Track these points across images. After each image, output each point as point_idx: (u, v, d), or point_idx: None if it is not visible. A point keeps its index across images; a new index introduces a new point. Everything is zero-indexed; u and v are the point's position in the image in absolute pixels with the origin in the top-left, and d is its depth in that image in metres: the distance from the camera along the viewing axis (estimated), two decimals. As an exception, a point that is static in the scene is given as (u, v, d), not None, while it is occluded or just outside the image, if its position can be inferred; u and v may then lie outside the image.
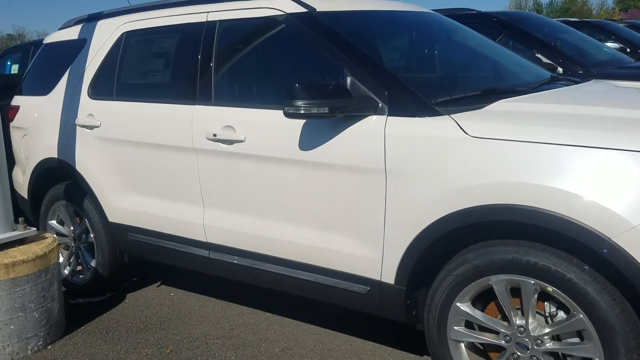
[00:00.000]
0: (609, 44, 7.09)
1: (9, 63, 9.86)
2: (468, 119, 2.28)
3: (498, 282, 2.18)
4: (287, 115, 2.44)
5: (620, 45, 8.06)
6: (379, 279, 2.48)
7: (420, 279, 2.43)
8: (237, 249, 2.95)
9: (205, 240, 3.08)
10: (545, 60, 4.76)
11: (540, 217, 2.02)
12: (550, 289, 2.08)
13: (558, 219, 1.98)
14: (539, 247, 2.10)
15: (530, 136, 2.09)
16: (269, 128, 2.74)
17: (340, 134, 2.51)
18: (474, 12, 5.69)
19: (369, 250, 2.49)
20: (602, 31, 8.42)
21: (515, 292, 2.18)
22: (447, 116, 2.31)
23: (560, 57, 4.86)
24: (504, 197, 2.09)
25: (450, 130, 2.26)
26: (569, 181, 1.98)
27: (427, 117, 2.35)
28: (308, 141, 2.60)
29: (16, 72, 9.05)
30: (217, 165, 2.95)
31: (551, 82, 2.96)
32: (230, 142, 2.86)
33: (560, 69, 4.70)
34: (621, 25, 9.98)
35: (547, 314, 2.17)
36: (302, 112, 2.40)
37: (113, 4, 4.13)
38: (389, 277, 2.44)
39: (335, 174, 2.54)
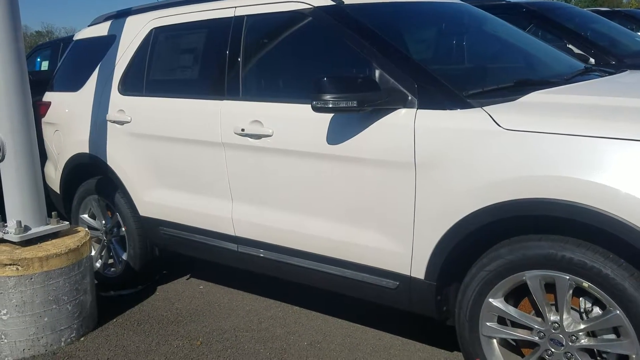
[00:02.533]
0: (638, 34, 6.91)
1: (38, 60, 10.03)
2: (501, 111, 2.24)
3: (532, 277, 2.14)
4: (315, 109, 2.43)
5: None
6: (409, 274, 2.46)
7: (451, 274, 2.40)
8: (265, 243, 2.96)
9: (233, 234, 3.10)
10: (576, 50, 4.66)
11: (576, 212, 1.97)
12: (585, 284, 2.03)
13: (595, 213, 1.94)
14: (574, 242, 2.06)
15: (566, 129, 2.04)
16: (297, 122, 2.74)
17: (368, 128, 2.49)
18: (504, 2, 5.59)
19: (398, 244, 2.47)
20: (634, 20, 8.20)
21: (550, 287, 2.15)
22: (480, 108, 2.28)
23: (592, 48, 4.75)
24: (538, 191, 2.05)
25: (483, 123, 2.22)
26: (606, 174, 1.93)
27: (459, 110, 2.31)
28: (336, 135, 2.59)
29: (46, 68, 9.21)
30: (245, 160, 2.96)
31: (585, 73, 2.89)
32: (258, 136, 2.87)
33: (592, 60, 4.59)
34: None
35: (582, 310, 2.13)
36: (330, 106, 2.39)
37: (140, 0, 4.15)
38: (419, 272, 2.42)
39: (363, 168, 2.52)
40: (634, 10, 10.56)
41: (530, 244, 2.14)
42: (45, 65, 9.57)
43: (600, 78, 2.81)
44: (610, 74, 2.96)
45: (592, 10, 7.52)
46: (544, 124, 2.09)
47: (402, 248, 2.46)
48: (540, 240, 2.12)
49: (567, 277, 2.06)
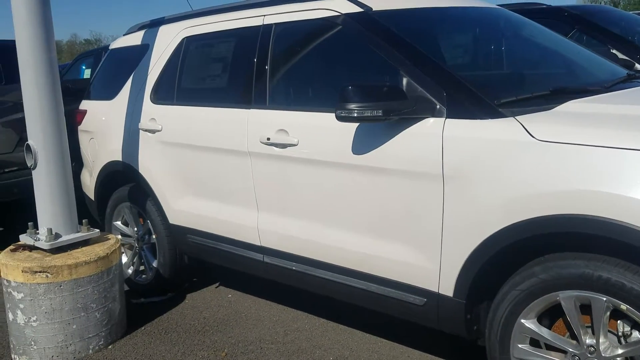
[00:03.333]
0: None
1: (83, 67, 10.31)
2: (535, 121, 2.12)
3: (567, 298, 2.01)
4: (340, 118, 2.37)
5: None
6: (437, 291, 2.36)
7: (482, 292, 2.29)
8: (291, 254, 2.91)
9: (259, 244, 3.06)
10: (621, 56, 4.44)
11: (615, 230, 1.84)
12: (624, 307, 1.90)
13: (634, 232, 1.80)
14: (612, 261, 1.92)
15: (604, 141, 1.91)
16: (322, 131, 2.68)
17: (395, 138, 2.42)
18: (544, 6, 5.40)
19: (425, 259, 2.38)
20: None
21: (585, 309, 2.01)
22: (512, 118, 2.17)
23: (638, 53, 4.52)
24: (574, 207, 1.93)
25: (515, 134, 2.11)
26: (648, 190, 1.79)
27: (489, 119, 2.21)
28: (361, 145, 2.52)
29: (89, 76, 9.46)
30: (271, 169, 2.92)
31: (627, 81, 2.74)
32: (283, 145, 2.83)
33: (638, 66, 4.37)
34: None
35: (620, 334, 1.99)
36: (355, 115, 2.32)
37: (194, 5, 4.16)
38: (447, 289, 2.32)
39: (389, 178, 2.44)
40: (686, 12, 10.06)
41: (564, 262, 2.02)
42: (88, 74, 9.83)
43: (645, 86, 2.65)
44: (657, 80, 2.79)
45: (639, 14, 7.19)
46: (581, 136, 1.97)
47: (429, 263, 2.37)
48: (575, 258, 2.00)
49: (604, 299, 1.93)
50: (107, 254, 3.22)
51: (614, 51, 4.52)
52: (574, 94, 2.37)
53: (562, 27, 4.80)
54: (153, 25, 3.99)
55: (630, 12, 6.73)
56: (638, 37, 4.87)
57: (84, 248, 3.25)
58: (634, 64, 4.26)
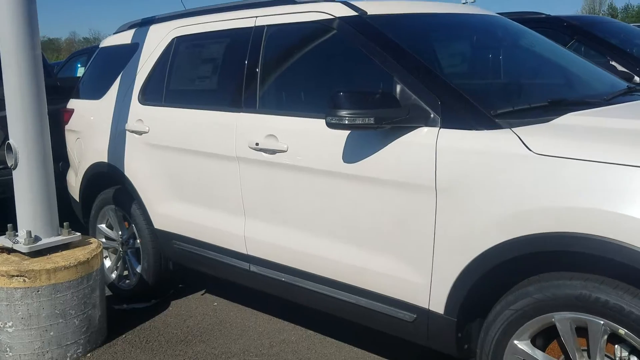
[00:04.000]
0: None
1: (78, 65, 10.19)
2: (532, 133, 2.04)
3: (562, 320, 1.92)
4: (330, 125, 2.28)
5: None
6: (427, 307, 2.27)
7: (474, 310, 2.20)
8: (278, 264, 2.82)
9: (245, 253, 2.97)
10: (620, 68, 4.38)
11: (614, 250, 1.76)
12: (622, 331, 1.81)
13: (636, 253, 1.72)
14: (610, 282, 1.84)
15: (605, 156, 1.83)
16: (312, 138, 2.59)
17: (387, 147, 2.33)
18: (544, 16, 5.34)
19: (416, 274, 2.29)
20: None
21: (582, 331, 1.92)
22: (509, 130, 2.08)
23: (637, 65, 4.45)
24: (572, 225, 1.84)
25: (512, 146, 2.02)
26: (650, 210, 1.71)
27: (485, 130, 2.13)
28: (352, 153, 2.43)
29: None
30: (259, 176, 2.83)
31: (627, 94, 2.66)
32: (272, 151, 2.73)
33: (637, 78, 4.31)
34: None
35: (617, 359, 1.90)
36: (346, 122, 2.23)
37: (187, 5, 4.06)
38: (438, 306, 2.23)
39: (380, 189, 2.35)
40: (685, 25, 10.04)
41: (560, 282, 1.93)
42: (82, 72, 9.70)
43: (646, 99, 2.57)
44: (657, 94, 2.72)
45: (639, 26, 7.15)
46: (581, 150, 1.88)
47: (420, 279, 2.28)
48: (572, 279, 1.91)
49: (602, 322, 1.84)
50: (88, 258, 3.11)
51: (613, 63, 4.46)
52: (573, 106, 2.29)
53: (561, 37, 4.74)
54: (143, 24, 3.89)
55: (630, 24, 6.69)
56: (637, 49, 4.81)
57: (64, 252, 3.15)
58: (633, 77, 4.19)
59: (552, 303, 1.93)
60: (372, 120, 2.21)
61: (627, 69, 4.35)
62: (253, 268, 2.95)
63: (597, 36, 4.78)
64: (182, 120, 3.25)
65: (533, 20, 5.01)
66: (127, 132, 3.59)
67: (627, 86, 2.76)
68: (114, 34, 4.24)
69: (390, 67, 2.41)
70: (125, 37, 3.98)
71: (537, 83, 2.81)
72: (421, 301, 2.29)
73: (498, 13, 3.48)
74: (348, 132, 2.42)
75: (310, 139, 2.60)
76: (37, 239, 3.09)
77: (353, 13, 2.69)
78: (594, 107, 2.31)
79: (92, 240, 3.38)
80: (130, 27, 4.04)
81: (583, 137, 1.95)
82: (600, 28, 5.02)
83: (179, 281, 3.93)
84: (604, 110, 2.28)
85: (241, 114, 2.93)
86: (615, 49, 4.64)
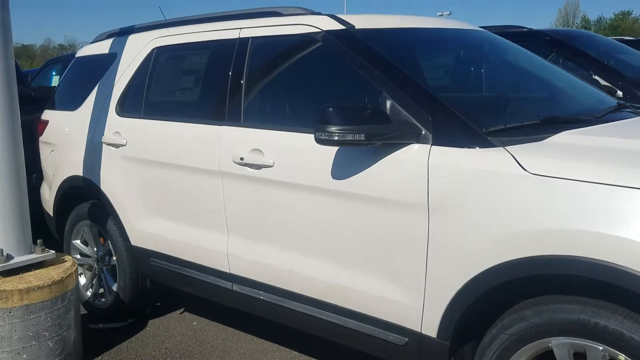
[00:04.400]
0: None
1: (53, 74, 9.94)
2: (527, 152, 1.99)
3: (559, 345, 1.87)
4: (319, 141, 2.20)
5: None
6: (419, 331, 2.19)
7: (468, 334, 2.14)
8: (262, 283, 2.72)
9: (228, 271, 2.86)
10: (603, 82, 4.39)
11: (613, 275, 1.71)
12: (622, 357, 1.76)
13: (635, 277, 1.67)
14: (609, 307, 1.79)
15: (603, 178, 1.78)
16: (300, 153, 2.51)
17: (377, 163, 2.26)
18: (525, 29, 5.36)
19: (408, 296, 2.21)
20: (661, 51, 7.91)
21: (579, 357, 1.87)
22: (502, 148, 2.03)
23: (620, 80, 4.48)
24: (569, 248, 1.79)
25: (506, 165, 1.97)
26: (651, 233, 1.66)
27: (478, 149, 2.07)
28: (341, 169, 2.35)
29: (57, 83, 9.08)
30: (243, 191, 2.73)
31: (617, 110, 2.63)
32: (257, 166, 2.64)
33: (620, 93, 4.33)
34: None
35: (616, 385, 1.85)
36: (336, 138, 2.16)
37: (167, 16, 3.95)
38: (431, 330, 2.16)
39: (370, 207, 2.28)
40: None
41: (558, 306, 1.87)
42: (57, 80, 9.47)
43: (638, 117, 2.54)
44: (646, 111, 2.70)
45: (616, 39, 7.25)
46: (577, 171, 1.84)
47: (411, 301, 2.20)
48: (569, 303, 1.86)
49: (601, 348, 1.79)
50: (63, 278, 2.97)
51: (596, 77, 4.48)
52: (565, 124, 2.25)
53: (541, 51, 4.74)
54: (122, 34, 3.77)
55: (609, 38, 6.77)
56: (618, 64, 4.84)
57: (37, 271, 2.99)
58: (616, 91, 4.21)
59: (549, 328, 1.88)
60: (362, 137, 2.14)
61: (609, 83, 4.38)
62: (236, 287, 2.84)
63: (580, 50, 4.81)
64: (161, 133, 3.14)
65: (515, 34, 5.02)
66: (104, 145, 3.46)
67: (618, 103, 2.74)
68: (91, 43, 4.11)
69: (379, 82, 2.34)
70: (103, 47, 3.86)
71: (528, 100, 2.77)
72: (413, 324, 2.22)
73: (481, 27, 3.46)
74: (337, 147, 2.35)
75: (297, 154, 2.52)
76: (9, 257, 2.93)
77: (340, 27, 2.63)
78: (586, 125, 2.27)
79: (67, 257, 3.23)
80: (108, 37, 3.92)
81: (579, 158, 1.91)
82: (581, 42, 5.05)
83: (157, 299, 3.80)
84: (598, 129, 2.24)
85: (225, 127, 2.84)
86: (598, 63, 4.67)
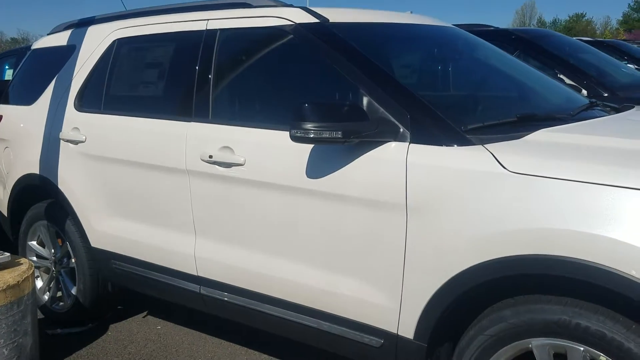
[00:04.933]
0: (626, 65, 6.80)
1: (6, 67, 9.53)
2: (506, 150, 1.95)
3: (540, 346, 1.84)
4: (294, 139, 2.12)
5: (636, 66, 7.78)
6: (395, 332, 2.14)
7: (445, 335, 2.09)
8: (232, 286, 2.62)
9: (195, 274, 2.74)
10: (568, 81, 4.45)
11: (594, 274, 1.69)
12: (603, 358, 1.74)
13: (616, 277, 1.65)
14: (591, 307, 1.77)
15: (582, 175, 1.76)
16: (272, 151, 2.42)
17: (354, 162, 2.19)
18: (492, 28, 5.40)
19: (385, 298, 2.15)
20: (617, 51, 8.13)
21: (560, 357, 1.84)
22: (481, 146, 1.99)
23: (584, 79, 4.55)
24: (549, 247, 1.76)
25: (485, 164, 1.93)
26: (634, 233, 1.65)
27: (456, 147, 2.03)
28: (317, 168, 2.28)
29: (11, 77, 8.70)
30: (212, 191, 2.62)
31: (589, 109, 2.64)
32: (227, 165, 2.54)
33: (584, 91, 4.39)
34: (635, 46, 9.73)
35: (596, 385, 1.83)
36: (312, 135, 2.08)
37: (132, 6, 3.76)
38: (407, 331, 2.10)
39: (347, 207, 2.21)
40: (617, 40, 10.58)
41: (538, 306, 1.84)
42: (10, 74, 9.08)
43: (610, 115, 2.55)
44: (616, 109, 2.72)
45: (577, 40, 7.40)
46: (557, 169, 1.81)
47: (388, 302, 2.15)
48: (550, 303, 1.83)
49: (582, 349, 1.77)
50: (18, 282, 2.79)
51: (561, 76, 4.53)
52: (542, 122, 2.24)
53: (506, 49, 4.77)
54: (81, 25, 3.60)
55: (573, 38, 6.90)
56: (581, 63, 4.92)
57: (-11, 275, 2.81)
58: (582, 90, 4.27)
59: (529, 328, 1.85)
60: (339, 134, 2.07)
61: (574, 82, 4.44)
62: (204, 290, 2.73)
63: (546, 49, 4.87)
64: (123, 129, 3.00)
65: (482, 32, 5.03)
66: (62, 141, 3.29)
67: (590, 101, 2.75)
68: (48, 34, 3.91)
69: (356, 78, 2.28)
70: (61, 39, 3.67)
71: (504, 97, 2.76)
72: (389, 326, 2.16)
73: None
74: (312, 145, 2.27)
75: (270, 152, 2.43)
76: (-43, 261, 2.75)
77: (314, 20, 2.55)
78: (562, 123, 2.26)
79: (23, 260, 3.05)
80: (66, 28, 3.73)
81: (559, 155, 1.89)
82: (547, 41, 5.12)
83: (119, 302, 3.64)
84: (575, 127, 2.23)
85: (192, 123, 2.72)
86: (563, 62, 4.73)
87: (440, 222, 1.99)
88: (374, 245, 2.16)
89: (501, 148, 1.97)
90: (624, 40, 17.39)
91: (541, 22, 53.50)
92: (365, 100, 2.20)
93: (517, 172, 1.87)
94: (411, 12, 3.17)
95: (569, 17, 57.63)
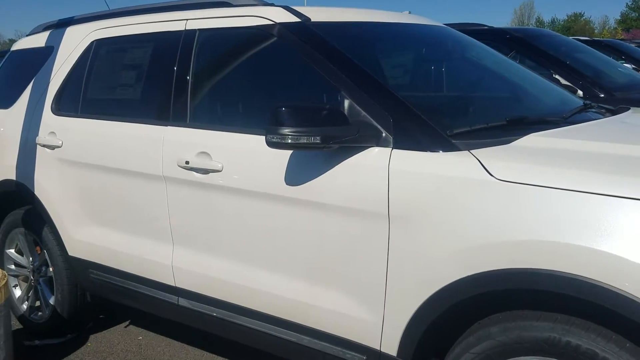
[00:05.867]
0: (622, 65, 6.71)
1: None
2: (493, 156, 1.84)
3: (529, 366, 1.73)
4: (271, 144, 2.00)
5: (633, 66, 7.69)
6: (378, 349, 2.03)
7: (431, 351, 1.98)
8: (210, 297, 2.51)
9: (173, 285, 2.63)
10: (563, 81, 4.34)
11: (587, 290, 1.58)
12: (595, 378, 1.63)
13: (609, 292, 1.54)
14: (581, 324, 1.66)
15: (576, 184, 1.65)
16: (251, 157, 2.31)
17: (334, 169, 2.08)
18: (485, 27, 5.29)
19: (367, 312, 2.04)
20: (614, 51, 8.03)
21: (549, 377, 1.73)
22: (467, 152, 1.88)
23: (580, 79, 4.44)
24: (538, 261, 1.65)
25: (471, 171, 1.82)
26: (625, 245, 1.54)
27: (441, 152, 1.92)
28: (296, 175, 2.17)
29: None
30: (189, 198, 2.51)
31: (584, 111, 2.53)
32: (205, 171, 2.42)
33: (580, 92, 4.28)
34: (632, 45, 9.64)
35: (588, 407, 1.72)
36: (289, 141, 1.97)
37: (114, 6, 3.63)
38: (391, 348, 1.99)
39: (327, 215, 2.10)
40: (614, 40, 10.49)
41: (526, 323, 1.73)
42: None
43: (604, 118, 2.44)
44: (611, 111, 2.61)
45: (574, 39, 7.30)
46: (546, 177, 1.70)
47: (370, 316, 2.04)
48: (539, 319, 1.72)
49: (573, 369, 1.66)
50: (-10, 293, 2.68)
51: (557, 76, 4.42)
52: (533, 125, 2.13)
53: (502, 49, 4.67)
54: (60, 26, 3.48)
55: (570, 37, 6.79)
56: (578, 63, 4.81)
57: (-41, 286, 2.70)
58: (577, 90, 4.16)
59: (517, 347, 1.74)
60: (318, 139, 1.96)
61: (570, 83, 4.33)
62: (182, 302, 2.62)
63: (541, 49, 4.76)
64: (100, 133, 2.89)
65: (476, 32, 4.92)
66: (38, 146, 3.17)
67: (584, 103, 2.64)
68: (27, 35, 3.79)
69: (337, 80, 2.16)
70: (40, 40, 3.55)
71: (494, 99, 2.64)
72: (372, 341, 2.05)
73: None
74: (291, 151, 2.15)
75: (248, 157, 2.31)
76: None
77: (295, 19, 2.43)
78: (554, 127, 2.15)
79: (-5, 270, 2.93)
80: (45, 29, 3.61)
81: (549, 162, 1.77)
82: (542, 41, 5.00)
83: (99, 311, 3.52)
84: (567, 131, 2.11)
85: (169, 127, 2.61)
86: (558, 62, 4.62)
87: (423, 233, 1.88)
88: (355, 257, 2.05)
89: (488, 154, 1.86)
90: (622, 39, 17.29)
91: (540, 22, 53.45)
92: (346, 102, 2.09)
93: (504, 180, 1.76)
94: (409, 12, 3.07)
95: (568, 16, 57.62)
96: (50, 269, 3.27)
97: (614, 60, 6.07)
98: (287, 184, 2.19)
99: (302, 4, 2.83)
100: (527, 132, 2.01)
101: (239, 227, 2.37)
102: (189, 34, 2.68)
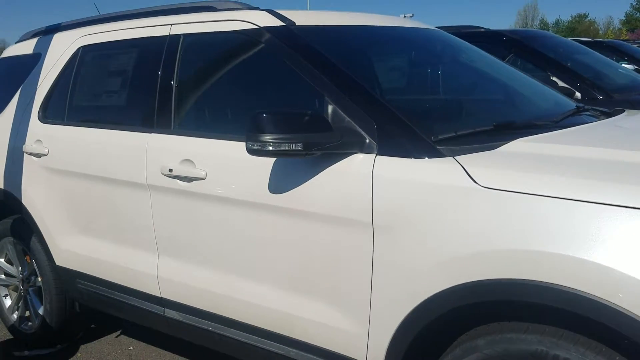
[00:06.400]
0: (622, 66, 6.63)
1: None
2: (478, 163, 1.78)
3: (516, 380, 1.66)
4: (251, 152, 1.95)
5: (635, 67, 7.61)
6: (363, 361, 1.97)
7: (416, 364, 1.92)
8: (196, 309, 2.45)
9: (159, 295, 2.58)
10: (561, 83, 4.27)
11: (573, 301, 1.51)
12: (584, 394, 1.56)
13: (599, 305, 1.48)
14: (570, 337, 1.59)
15: (563, 191, 1.59)
16: (235, 164, 2.26)
17: (317, 176, 2.02)
18: (482, 30, 5.22)
19: (352, 323, 1.98)
20: (616, 52, 7.96)
21: (538, 392, 1.67)
22: (451, 158, 1.82)
23: (578, 81, 4.37)
24: (525, 271, 1.59)
25: (455, 178, 1.76)
26: (616, 255, 1.47)
27: (426, 159, 1.86)
28: (279, 183, 2.11)
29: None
30: (174, 207, 2.46)
31: (576, 114, 2.46)
32: (188, 179, 2.37)
33: (578, 94, 4.21)
34: (635, 46, 9.56)
35: (579, 422, 1.65)
36: (270, 148, 1.91)
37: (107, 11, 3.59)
38: (377, 359, 1.93)
39: (310, 224, 2.04)
40: (616, 41, 10.40)
41: (514, 336, 1.67)
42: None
43: (597, 121, 2.37)
44: (606, 114, 2.54)
45: (574, 41, 7.23)
46: (534, 184, 1.64)
47: (355, 328, 1.98)
48: (526, 332, 1.65)
49: (562, 383, 1.59)
50: (-27, 305, 2.64)
51: (554, 78, 4.35)
52: (521, 130, 2.06)
53: (499, 51, 4.61)
54: (48, 32, 3.45)
55: (568, 39, 6.72)
56: (576, 65, 4.73)
57: (-58, 298, 2.66)
58: (574, 92, 4.09)
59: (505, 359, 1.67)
60: (300, 146, 1.91)
61: (568, 85, 4.26)
62: (168, 313, 2.57)
63: (538, 51, 4.69)
64: (85, 141, 2.85)
65: (472, 34, 4.87)
66: (25, 154, 3.13)
67: (577, 106, 2.57)
68: (15, 43, 3.76)
69: (320, 84, 2.11)
70: (27, 47, 3.52)
71: (481, 103, 2.58)
72: (357, 354, 1.99)
73: (436, 27, 3.26)
74: (274, 158, 2.10)
75: (232, 165, 2.26)
76: None
77: (279, 23, 2.38)
78: (544, 131, 2.08)
79: (-20, 281, 2.90)
80: (33, 36, 3.59)
81: (537, 169, 1.71)
82: (540, 43, 4.94)
83: (91, 322, 3.48)
84: (556, 136, 2.05)
85: (153, 134, 2.56)
86: (556, 64, 4.55)
87: (408, 242, 1.82)
88: (339, 266, 2.00)
89: (473, 160, 1.80)
90: (627, 40, 17.17)
91: (544, 23, 53.29)
92: (329, 108, 2.03)
93: (489, 187, 1.70)
94: (412, 15, 3.02)
95: (572, 17, 57.44)
96: (39, 279, 3.23)
97: (614, 62, 5.99)
98: (270, 191, 2.13)
99: (305, 8, 2.78)
100: (514, 137, 1.95)
101: (223, 236, 2.32)
102: (174, 39, 2.64)
